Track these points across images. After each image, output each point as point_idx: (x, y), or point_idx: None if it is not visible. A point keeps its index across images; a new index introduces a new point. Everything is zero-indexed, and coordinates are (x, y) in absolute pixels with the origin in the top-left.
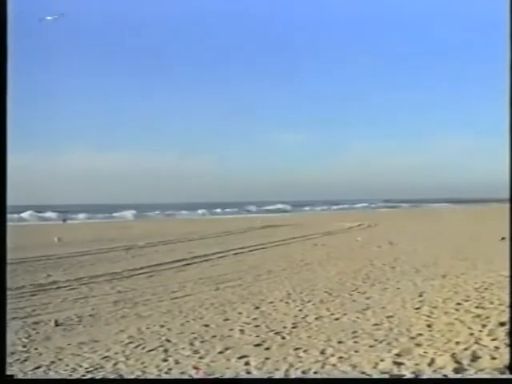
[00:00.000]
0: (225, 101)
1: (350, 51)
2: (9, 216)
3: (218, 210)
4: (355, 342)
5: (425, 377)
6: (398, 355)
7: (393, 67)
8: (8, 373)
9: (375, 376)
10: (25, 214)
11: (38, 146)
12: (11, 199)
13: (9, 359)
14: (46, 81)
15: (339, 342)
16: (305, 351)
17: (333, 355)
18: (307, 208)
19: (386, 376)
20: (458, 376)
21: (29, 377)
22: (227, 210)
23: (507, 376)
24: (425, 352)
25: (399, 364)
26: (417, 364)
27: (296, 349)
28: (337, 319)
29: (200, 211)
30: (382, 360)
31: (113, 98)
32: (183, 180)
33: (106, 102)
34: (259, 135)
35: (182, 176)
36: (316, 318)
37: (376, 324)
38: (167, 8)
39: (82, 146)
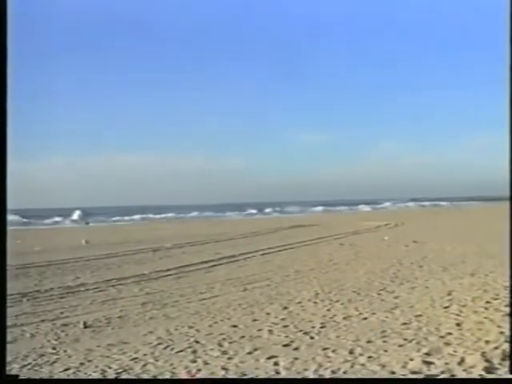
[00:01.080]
0: (250, 101)
1: (375, 50)
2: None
3: (246, 211)
4: (384, 341)
5: (425, 377)
6: (427, 354)
7: (421, 66)
8: (11, 372)
9: (375, 376)
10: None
11: (66, 148)
12: (35, 203)
13: (39, 361)
14: (71, 83)
15: (368, 342)
16: (333, 351)
17: (362, 355)
18: (334, 207)
19: (387, 376)
20: (458, 376)
21: (29, 377)
22: (254, 210)
23: (507, 376)
24: (454, 351)
25: (429, 363)
26: (446, 363)
27: (325, 349)
28: (365, 319)
29: (227, 212)
30: (411, 359)
31: (138, 99)
32: (210, 181)
33: (130, 102)
34: (285, 135)
35: (208, 177)
36: (344, 318)
37: (405, 323)
38: (184, 6)
39: (109, 147)
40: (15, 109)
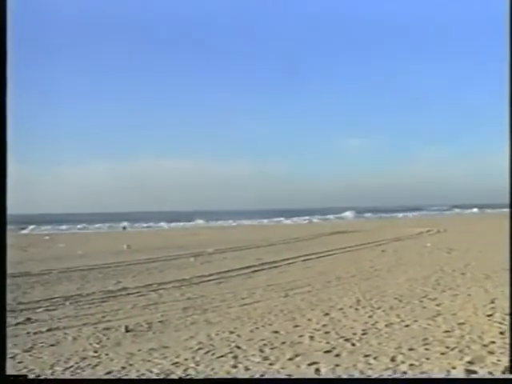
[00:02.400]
0: (292, 105)
1: (420, 57)
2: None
3: (287, 217)
4: (426, 349)
5: (425, 377)
6: (470, 363)
7: (460, 72)
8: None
9: (375, 376)
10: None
11: (105, 153)
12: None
13: (81, 364)
14: (108, 85)
15: (410, 349)
16: (375, 358)
17: (403, 362)
18: (376, 214)
19: (387, 376)
20: (459, 376)
21: (29, 377)
22: (296, 216)
23: (507, 376)
24: (498, 360)
25: (472, 372)
26: (490, 372)
27: (366, 356)
28: (407, 326)
29: (268, 218)
30: (453, 367)
31: (179, 104)
32: (253, 186)
33: (173, 107)
34: (330, 140)
35: (251, 182)
36: (386, 325)
37: (447, 331)
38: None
39: (148, 152)
40: (52, 116)
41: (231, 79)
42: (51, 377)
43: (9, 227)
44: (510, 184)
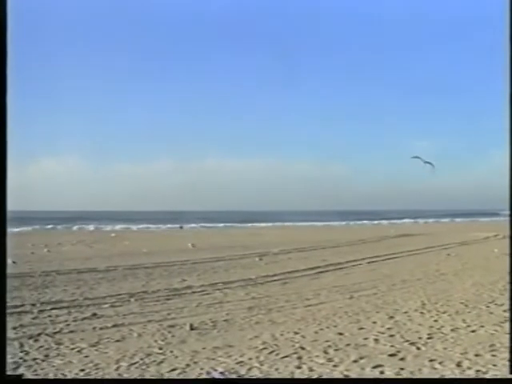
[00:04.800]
0: (356, 106)
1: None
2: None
3: (351, 218)
4: (493, 355)
5: (425, 377)
6: None
7: None
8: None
9: (376, 376)
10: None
11: (171, 152)
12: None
13: (146, 360)
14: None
15: (476, 355)
16: (440, 363)
17: (470, 368)
18: (442, 217)
19: (387, 376)
20: (458, 376)
21: (29, 377)
22: (360, 218)
23: (507, 376)
24: None
25: None
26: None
27: (431, 360)
28: (473, 331)
29: (332, 219)
30: None
31: (241, 106)
32: (316, 188)
33: (235, 109)
34: (391, 142)
35: (315, 184)
36: (452, 330)
37: None
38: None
39: (215, 151)
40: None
41: (293, 82)
42: (51, 377)
43: (73, 223)
44: (510, 184)
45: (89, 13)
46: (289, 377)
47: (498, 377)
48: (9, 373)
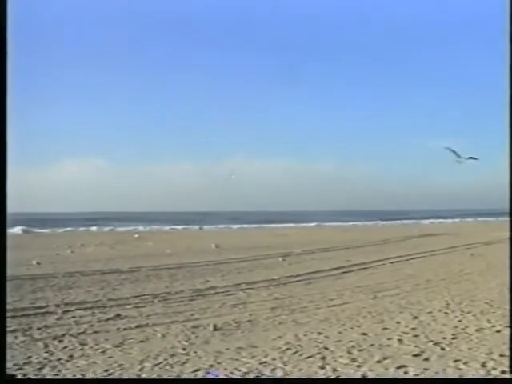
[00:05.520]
0: (377, 105)
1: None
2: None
3: (374, 218)
4: None
5: (425, 377)
6: None
7: None
8: (8, 372)
9: (376, 376)
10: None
11: (195, 153)
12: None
13: (169, 361)
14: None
15: (501, 356)
16: (465, 363)
17: (495, 369)
18: (466, 217)
19: (387, 376)
20: (458, 376)
21: (29, 377)
22: (383, 218)
23: (507, 376)
24: None
25: None
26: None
27: (456, 360)
28: (498, 331)
29: (355, 219)
30: None
31: (263, 106)
32: (340, 188)
33: (258, 109)
34: (413, 142)
35: (338, 183)
36: (476, 330)
37: None
38: None
39: (239, 152)
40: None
41: (314, 83)
42: (51, 377)
43: (96, 224)
44: (510, 185)
45: (89, 13)
46: (291, 377)
47: (498, 377)
48: (11, 372)
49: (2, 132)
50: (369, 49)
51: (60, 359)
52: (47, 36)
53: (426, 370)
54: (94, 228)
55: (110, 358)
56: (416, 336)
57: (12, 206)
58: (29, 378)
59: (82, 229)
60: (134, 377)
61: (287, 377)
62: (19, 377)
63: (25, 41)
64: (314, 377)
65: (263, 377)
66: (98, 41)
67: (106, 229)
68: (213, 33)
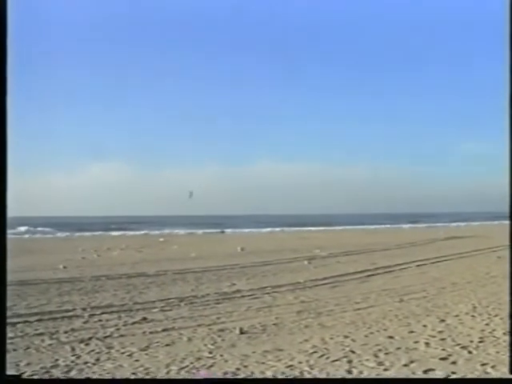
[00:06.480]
0: (405, 109)
1: None
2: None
3: (399, 221)
4: None
5: (425, 377)
6: None
7: None
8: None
9: (375, 376)
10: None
11: (217, 158)
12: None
13: (196, 364)
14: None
15: None
16: (493, 367)
17: None
18: (493, 219)
19: (387, 376)
20: (458, 376)
21: (30, 377)
22: (408, 220)
23: (507, 376)
24: None
25: None
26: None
27: (483, 364)
28: None
29: (381, 222)
30: None
31: (289, 111)
32: (366, 191)
33: (282, 114)
34: (441, 144)
35: (365, 187)
36: (504, 333)
37: None
38: None
39: (263, 156)
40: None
41: (344, 85)
42: (51, 377)
43: (122, 228)
44: (510, 185)
45: (89, 13)
46: (290, 377)
47: (498, 377)
48: (11, 373)
49: (2, 133)
50: (401, 50)
51: (87, 362)
52: (58, 38)
53: (453, 373)
54: (119, 232)
55: (136, 361)
56: (443, 339)
57: (40, 210)
58: (28, 378)
59: (107, 233)
60: (134, 377)
61: (287, 377)
62: (19, 377)
63: (26, 41)
64: (314, 377)
65: (263, 377)
66: (103, 42)
67: (131, 233)
68: (227, 38)
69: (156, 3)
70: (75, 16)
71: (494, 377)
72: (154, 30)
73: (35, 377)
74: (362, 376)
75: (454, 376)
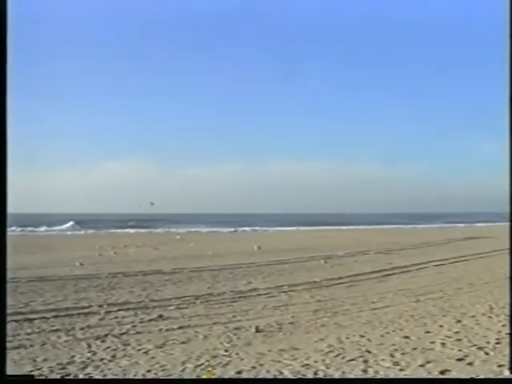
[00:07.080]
0: (422, 109)
1: None
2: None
3: (417, 221)
4: None
5: (425, 377)
6: None
7: None
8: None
9: (375, 376)
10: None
11: (236, 156)
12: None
13: (211, 362)
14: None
15: None
16: (510, 368)
17: None
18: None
19: (387, 376)
20: (458, 376)
21: (29, 377)
22: (425, 220)
23: (507, 376)
24: None
25: None
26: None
27: (500, 366)
28: None
29: (398, 222)
30: None
31: (306, 108)
32: (383, 190)
33: (301, 111)
34: (458, 144)
35: (382, 186)
36: None
37: None
38: None
39: (280, 154)
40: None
41: (354, 83)
42: (51, 377)
43: (139, 226)
44: (510, 185)
45: (89, 13)
46: (291, 377)
47: (498, 377)
48: (12, 373)
49: (2, 132)
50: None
51: (103, 359)
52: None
53: (469, 374)
54: (135, 229)
55: (152, 358)
56: (459, 340)
57: (58, 207)
58: (30, 379)
59: (124, 230)
60: (134, 377)
61: (287, 377)
62: (19, 377)
63: (26, 41)
64: (315, 377)
65: (263, 377)
66: (106, 41)
67: (148, 230)
68: (238, 36)
69: (156, 3)
70: (78, 11)
71: (494, 377)
72: (167, 26)
73: (37, 377)
74: (362, 376)
75: (454, 376)
